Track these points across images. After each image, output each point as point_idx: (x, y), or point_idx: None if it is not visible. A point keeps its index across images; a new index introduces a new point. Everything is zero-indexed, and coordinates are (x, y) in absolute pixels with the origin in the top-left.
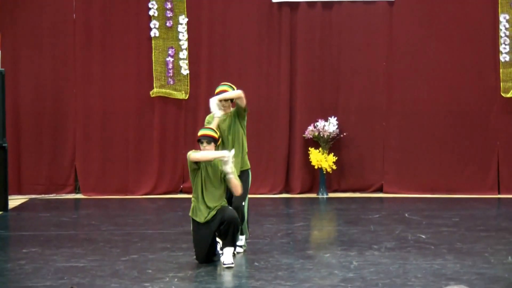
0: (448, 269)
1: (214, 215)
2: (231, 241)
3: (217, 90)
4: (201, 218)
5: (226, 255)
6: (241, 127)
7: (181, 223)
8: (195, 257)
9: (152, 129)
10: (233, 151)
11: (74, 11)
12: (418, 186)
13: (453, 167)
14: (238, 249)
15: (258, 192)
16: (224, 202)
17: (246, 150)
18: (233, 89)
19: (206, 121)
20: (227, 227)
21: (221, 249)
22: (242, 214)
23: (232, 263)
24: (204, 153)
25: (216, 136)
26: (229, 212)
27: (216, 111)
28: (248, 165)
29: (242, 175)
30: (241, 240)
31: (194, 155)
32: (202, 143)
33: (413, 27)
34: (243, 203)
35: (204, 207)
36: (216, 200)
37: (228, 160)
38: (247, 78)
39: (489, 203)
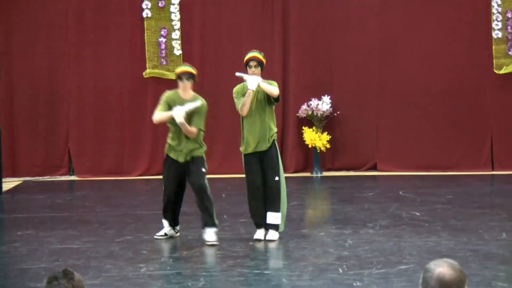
0: (443, 246)
1: (187, 165)
2: (210, 221)
3: (247, 56)
4: (176, 157)
5: (209, 234)
6: (267, 105)
7: None
8: (165, 197)
9: (146, 109)
10: (178, 108)
11: None
12: (412, 163)
13: (447, 144)
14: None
15: None
16: (200, 149)
17: (274, 130)
18: (263, 56)
19: (235, 92)
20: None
21: (203, 227)
22: (207, 194)
23: (216, 241)
24: (159, 117)
25: (194, 72)
26: (195, 179)
27: (252, 83)
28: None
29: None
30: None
31: (153, 118)
32: (182, 79)
33: (405, 5)
34: (205, 181)
35: (180, 148)
36: (191, 142)
37: (177, 115)
38: (240, 57)
39: (483, 180)
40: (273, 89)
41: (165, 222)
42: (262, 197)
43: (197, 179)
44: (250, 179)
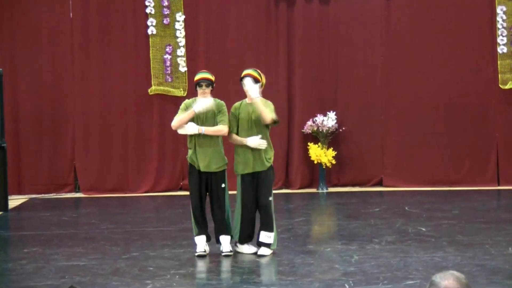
0: (449, 262)
1: (208, 175)
2: (225, 229)
3: (244, 73)
4: (198, 166)
5: (224, 243)
6: (263, 127)
7: (181, 220)
8: (192, 208)
9: (151, 127)
10: (197, 105)
11: (71, 10)
12: (417, 179)
13: (453, 159)
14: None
15: None
16: (221, 161)
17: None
18: (260, 75)
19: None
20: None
21: (218, 237)
22: (225, 207)
23: (231, 251)
24: (178, 119)
25: (212, 78)
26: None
27: (254, 92)
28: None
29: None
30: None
31: (172, 124)
32: (201, 86)
33: (410, 21)
34: (225, 197)
35: (200, 155)
36: (211, 152)
37: (199, 107)
38: None
39: (489, 195)
40: (266, 113)
41: (199, 239)
42: (253, 216)
43: (217, 197)
44: (245, 199)
